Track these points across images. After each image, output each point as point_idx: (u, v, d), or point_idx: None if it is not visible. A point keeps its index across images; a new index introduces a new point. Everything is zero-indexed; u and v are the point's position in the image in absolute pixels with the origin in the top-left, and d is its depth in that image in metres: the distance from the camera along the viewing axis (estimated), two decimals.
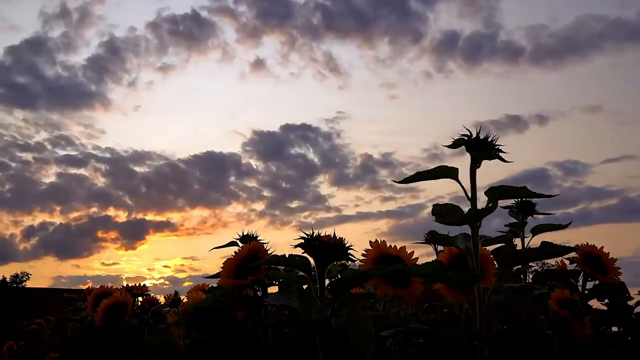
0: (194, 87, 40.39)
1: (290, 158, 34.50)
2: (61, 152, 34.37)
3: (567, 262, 1.57)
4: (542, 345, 1.36)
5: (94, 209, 32.69)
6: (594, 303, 1.63)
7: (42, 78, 33.60)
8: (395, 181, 1.14)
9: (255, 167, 35.31)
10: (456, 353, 1.15)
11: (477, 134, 1.06)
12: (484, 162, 1.07)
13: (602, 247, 1.50)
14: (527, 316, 1.49)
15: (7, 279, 22.44)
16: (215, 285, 1.47)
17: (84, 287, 2.91)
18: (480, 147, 1.06)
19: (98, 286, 2.14)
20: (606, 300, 1.68)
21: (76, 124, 37.36)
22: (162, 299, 2.11)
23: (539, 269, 1.73)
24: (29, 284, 22.62)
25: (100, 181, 33.84)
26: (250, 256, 1.35)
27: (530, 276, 1.74)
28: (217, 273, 1.42)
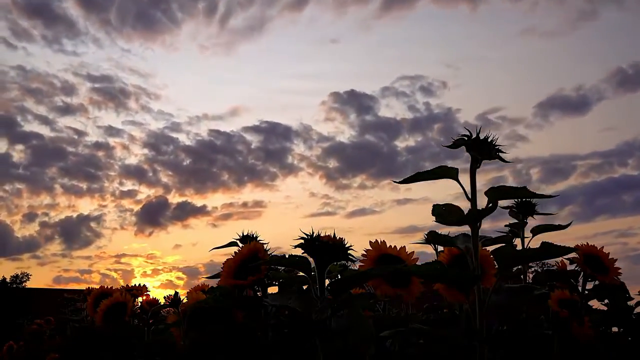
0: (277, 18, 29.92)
1: (373, 124, 28.46)
2: (104, 117, 29.23)
3: (567, 262, 1.57)
4: (542, 345, 1.36)
5: (123, 188, 28.51)
6: (594, 303, 1.63)
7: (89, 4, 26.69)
8: (395, 181, 1.14)
9: (325, 135, 29.70)
10: (456, 353, 1.15)
11: (477, 134, 1.06)
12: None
13: (602, 248, 1.50)
14: (527, 316, 1.49)
15: (7, 279, 22.43)
16: (215, 285, 1.47)
17: (84, 288, 2.91)
18: (480, 148, 1.06)
19: (98, 286, 2.15)
20: (606, 301, 1.68)
21: (127, 74, 30.70)
22: (162, 299, 2.11)
23: (539, 269, 1.73)
24: (29, 284, 22.61)
25: (136, 155, 29.41)
26: (250, 256, 1.35)
27: (530, 276, 1.74)
28: (217, 273, 1.43)
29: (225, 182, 29.48)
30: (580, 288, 1.52)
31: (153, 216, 27.74)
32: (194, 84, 35.52)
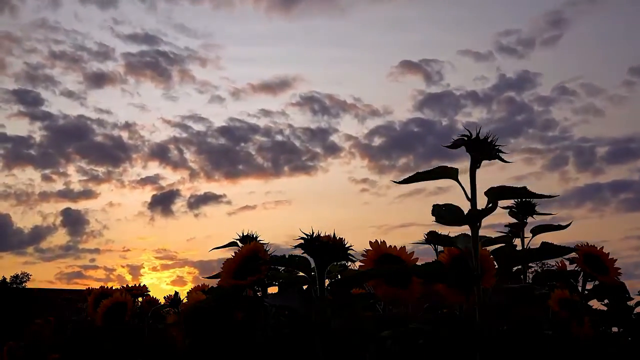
0: None
1: (434, 96, 24.95)
2: (128, 91, 26.07)
3: (567, 262, 1.57)
4: (542, 345, 1.36)
5: (142, 175, 26.25)
6: (594, 303, 1.63)
7: None
8: (394, 181, 1.14)
9: (377, 109, 26.89)
10: (456, 353, 1.15)
11: (477, 134, 1.06)
12: None
13: (602, 248, 1.50)
14: (527, 316, 1.49)
15: (7, 279, 22.44)
16: (215, 285, 1.47)
17: (85, 288, 2.91)
18: (480, 148, 1.06)
19: (98, 286, 2.15)
20: (606, 301, 1.68)
21: (171, 29, 27.85)
22: (162, 299, 2.11)
23: (539, 269, 1.73)
24: (29, 285, 22.60)
25: (162, 137, 26.82)
26: (250, 256, 1.35)
27: (530, 276, 1.74)
28: (217, 273, 1.43)
29: (259, 167, 26.56)
30: (580, 288, 1.52)
31: (167, 206, 25.92)
32: (242, 48, 31.65)
